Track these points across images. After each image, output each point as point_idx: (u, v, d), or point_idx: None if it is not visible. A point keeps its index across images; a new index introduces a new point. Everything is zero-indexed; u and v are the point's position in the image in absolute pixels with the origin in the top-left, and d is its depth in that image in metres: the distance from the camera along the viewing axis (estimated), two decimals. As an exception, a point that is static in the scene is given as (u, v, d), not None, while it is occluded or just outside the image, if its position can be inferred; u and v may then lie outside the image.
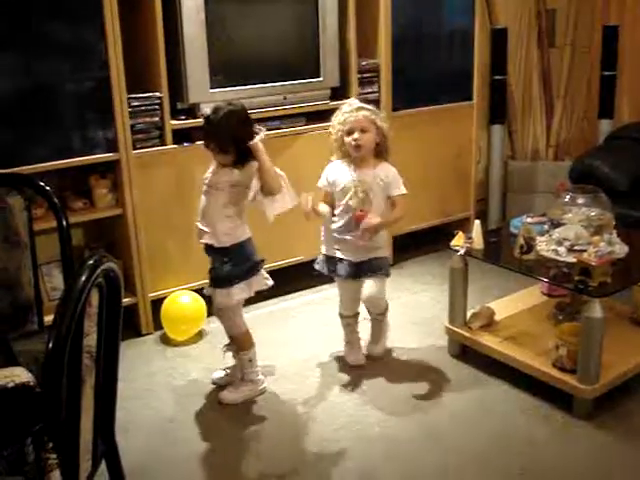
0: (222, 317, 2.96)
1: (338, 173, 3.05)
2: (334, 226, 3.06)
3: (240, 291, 2.87)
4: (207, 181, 2.85)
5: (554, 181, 4.45)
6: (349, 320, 3.26)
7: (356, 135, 2.95)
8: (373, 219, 2.93)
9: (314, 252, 3.81)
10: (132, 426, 2.81)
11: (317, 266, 3.20)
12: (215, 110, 2.74)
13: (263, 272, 2.96)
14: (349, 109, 3.00)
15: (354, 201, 2.98)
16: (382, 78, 4.06)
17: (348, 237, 3.01)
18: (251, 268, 2.90)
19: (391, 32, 4.01)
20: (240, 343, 2.98)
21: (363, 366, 3.23)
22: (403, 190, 3.03)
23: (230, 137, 2.72)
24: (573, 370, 2.80)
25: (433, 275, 4.14)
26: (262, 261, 2.94)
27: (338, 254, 3.09)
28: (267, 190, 2.77)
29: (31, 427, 1.43)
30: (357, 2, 3.86)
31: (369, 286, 3.07)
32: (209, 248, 2.87)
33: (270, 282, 2.99)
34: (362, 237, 2.96)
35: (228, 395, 2.98)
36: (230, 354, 3.08)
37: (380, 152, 3.05)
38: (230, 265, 2.84)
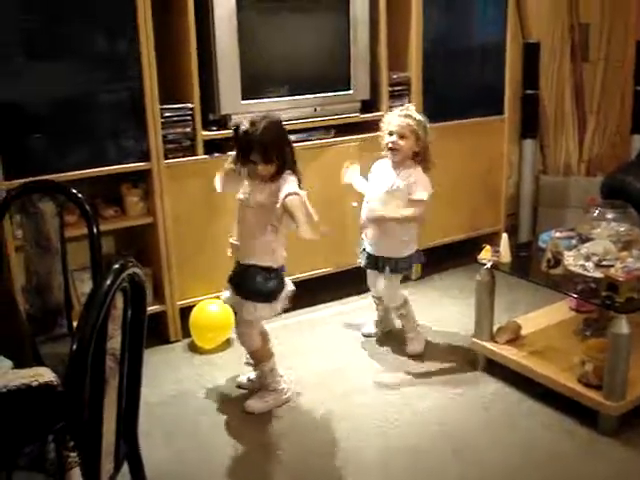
0: (244, 331, 2.96)
1: (381, 168, 3.29)
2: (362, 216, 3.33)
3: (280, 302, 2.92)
4: (247, 200, 2.82)
5: (586, 196, 4.42)
6: (375, 300, 3.56)
7: (394, 138, 3.16)
8: (377, 211, 3.21)
9: (342, 263, 3.85)
10: (157, 431, 2.84)
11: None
12: (253, 122, 2.72)
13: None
14: (399, 113, 3.19)
15: (376, 198, 3.22)
16: (413, 91, 4.07)
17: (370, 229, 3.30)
18: (285, 280, 2.94)
19: (422, 45, 4.03)
20: (259, 356, 3.00)
21: (371, 335, 3.59)
22: (422, 196, 3.19)
23: (274, 146, 2.72)
24: (599, 386, 2.78)
25: (461, 289, 4.13)
26: None
27: (364, 242, 3.36)
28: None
29: (53, 425, 1.46)
30: (388, 15, 3.88)
31: (380, 281, 3.35)
32: (251, 265, 2.86)
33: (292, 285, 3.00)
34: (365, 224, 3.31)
35: (254, 404, 3.00)
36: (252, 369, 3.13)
37: (420, 161, 3.22)
38: (275, 281, 2.85)
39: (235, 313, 3.02)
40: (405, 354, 3.41)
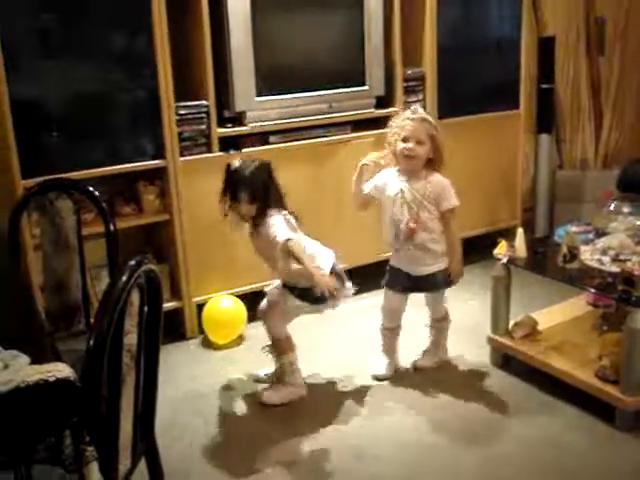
0: (270, 319, 2.99)
1: (388, 180, 3.02)
2: (388, 238, 3.07)
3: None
4: (253, 237, 2.94)
5: (602, 191, 4.40)
6: (387, 332, 3.23)
7: (410, 145, 2.91)
8: (456, 268, 3.04)
9: (360, 260, 3.84)
10: (174, 427, 2.86)
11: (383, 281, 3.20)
12: (244, 163, 2.86)
13: None
14: (412, 116, 2.94)
15: (403, 213, 2.97)
16: (427, 87, 4.06)
17: (402, 249, 3.03)
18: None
19: (436, 40, 4.02)
20: (281, 347, 3.02)
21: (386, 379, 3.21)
22: (454, 202, 2.99)
23: (260, 187, 2.82)
24: (616, 381, 2.77)
25: (478, 284, 4.10)
26: None
27: (398, 265, 3.10)
28: None
29: (69, 420, 1.48)
30: (402, 11, 3.88)
31: (429, 296, 3.19)
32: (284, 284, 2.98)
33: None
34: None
35: (270, 396, 3.03)
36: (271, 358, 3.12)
37: (432, 164, 2.99)
38: (306, 299, 2.94)
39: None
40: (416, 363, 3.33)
